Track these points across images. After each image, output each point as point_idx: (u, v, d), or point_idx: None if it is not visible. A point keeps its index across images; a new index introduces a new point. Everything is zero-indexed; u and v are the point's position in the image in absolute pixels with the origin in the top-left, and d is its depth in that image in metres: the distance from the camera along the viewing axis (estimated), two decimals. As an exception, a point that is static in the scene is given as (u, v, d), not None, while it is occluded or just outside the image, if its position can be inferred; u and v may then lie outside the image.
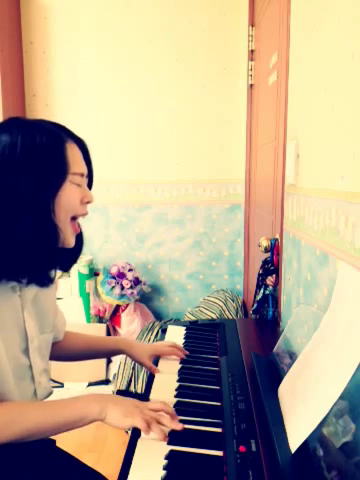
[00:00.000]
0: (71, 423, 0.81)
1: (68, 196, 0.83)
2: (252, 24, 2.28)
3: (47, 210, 0.79)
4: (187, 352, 1.18)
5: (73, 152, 0.84)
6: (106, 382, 2.44)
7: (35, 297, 0.92)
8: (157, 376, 1.08)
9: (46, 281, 0.86)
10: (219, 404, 0.92)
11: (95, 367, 2.42)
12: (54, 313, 1.04)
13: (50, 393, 0.99)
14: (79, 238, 0.94)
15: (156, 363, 1.15)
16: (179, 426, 0.82)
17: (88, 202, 0.89)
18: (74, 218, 0.88)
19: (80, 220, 0.93)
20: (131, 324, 2.53)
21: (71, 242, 0.88)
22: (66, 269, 0.95)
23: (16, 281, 0.84)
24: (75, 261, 0.96)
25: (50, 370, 1.01)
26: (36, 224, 0.78)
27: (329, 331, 0.79)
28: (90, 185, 0.93)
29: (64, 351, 1.13)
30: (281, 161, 1.49)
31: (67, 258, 0.93)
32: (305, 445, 0.69)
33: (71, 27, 2.54)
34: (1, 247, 0.77)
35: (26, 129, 0.79)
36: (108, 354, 1.21)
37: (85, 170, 0.89)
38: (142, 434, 0.81)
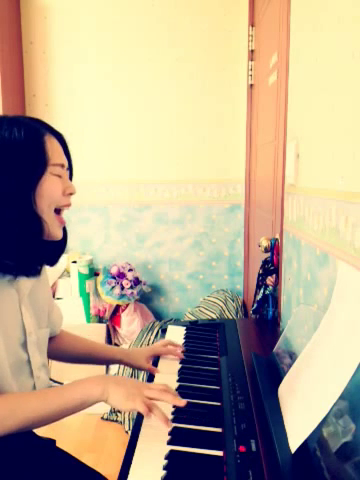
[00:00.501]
0: (73, 408, 0.81)
1: (49, 187, 0.84)
2: (252, 24, 2.28)
3: (28, 201, 0.81)
4: (182, 348, 1.18)
5: (52, 144, 0.85)
6: (106, 382, 2.44)
7: (31, 292, 0.93)
8: (157, 376, 1.08)
9: (32, 271, 0.86)
10: (219, 404, 0.92)
11: (95, 367, 2.41)
12: (50, 308, 1.05)
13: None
14: (63, 232, 0.95)
15: (156, 364, 1.15)
16: (182, 402, 0.82)
17: (71, 193, 0.90)
18: (58, 211, 0.88)
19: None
20: (131, 324, 2.53)
21: (58, 234, 0.88)
22: (52, 263, 0.95)
23: (6, 272, 0.83)
24: (60, 255, 0.96)
25: (49, 365, 1.01)
26: (18, 215, 0.80)
27: (329, 331, 0.79)
28: (71, 177, 0.94)
29: (62, 352, 1.14)
30: (281, 161, 1.49)
31: (52, 252, 0.93)
32: (305, 445, 0.69)
33: (71, 27, 2.54)
34: None
35: (4, 124, 0.81)
36: (106, 362, 1.22)
37: (65, 162, 0.89)
38: (142, 432, 0.81)
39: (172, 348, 1.17)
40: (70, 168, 0.93)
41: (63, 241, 0.95)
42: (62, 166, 0.87)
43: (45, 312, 1.00)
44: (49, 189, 0.84)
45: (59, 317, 1.11)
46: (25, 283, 0.89)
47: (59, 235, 0.89)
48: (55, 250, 0.94)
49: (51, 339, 1.09)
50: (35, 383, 0.93)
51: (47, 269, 1.01)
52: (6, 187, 0.79)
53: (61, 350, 1.13)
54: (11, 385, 0.85)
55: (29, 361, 0.91)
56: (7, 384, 0.84)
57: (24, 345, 0.89)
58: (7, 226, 0.79)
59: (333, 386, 0.66)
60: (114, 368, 2.40)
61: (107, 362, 1.20)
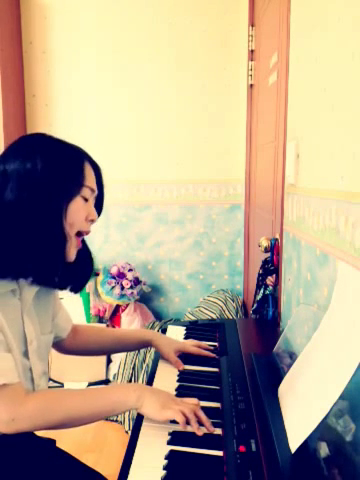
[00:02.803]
0: (108, 410, 0.83)
1: (76, 208, 0.87)
2: (252, 24, 2.28)
3: (59, 215, 0.84)
4: (214, 355, 1.16)
5: (89, 170, 0.91)
6: (106, 382, 2.44)
7: (36, 298, 0.93)
8: (157, 376, 1.07)
9: (49, 281, 0.87)
10: (219, 404, 0.92)
11: (95, 367, 2.42)
12: (54, 313, 1.04)
13: None
14: (89, 259, 0.98)
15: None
16: (212, 429, 0.82)
17: (92, 220, 0.93)
18: (79, 233, 0.91)
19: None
20: (131, 324, 2.53)
21: (72, 255, 0.90)
22: (76, 290, 0.98)
23: (21, 277, 0.85)
24: (86, 282, 0.99)
25: (49, 372, 1.01)
26: (49, 225, 0.83)
27: (329, 331, 0.79)
28: (100, 210, 0.98)
29: (87, 346, 1.15)
30: (281, 161, 1.49)
31: (78, 279, 0.97)
32: (305, 445, 0.69)
33: (71, 27, 2.54)
34: (14, 242, 0.81)
35: (53, 142, 0.89)
36: (136, 346, 1.22)
37: (95, 188, 0.93)
38: (142, 432, 0.81)
39: (201, 350, 1.16)
40: (101, 200, 0.98)
41: (89, 269, 0.99)
42: (92, 191, 0.91)
43: (49, 317, 1.01)
44: (74, 211, 0.87)
45: (65, 321, 1.11)
46: (28, 292, 0.89)
47: (72, 256, 0.90)
48: (80, 278, 0.97)
49: (66, 339, 1.11)
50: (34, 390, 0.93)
51: None
52: (46, 197, 0.83)
53: (85, 344, 1.15)
54: None
55: (30, 369, 0.91)
56: None
57: (25, 353, 0.90)
58: (37, 233, 0.82)
59: (333, 386, 0.66)
60: (116, 362, 2.40)
61: (137, 345, 1.20)
